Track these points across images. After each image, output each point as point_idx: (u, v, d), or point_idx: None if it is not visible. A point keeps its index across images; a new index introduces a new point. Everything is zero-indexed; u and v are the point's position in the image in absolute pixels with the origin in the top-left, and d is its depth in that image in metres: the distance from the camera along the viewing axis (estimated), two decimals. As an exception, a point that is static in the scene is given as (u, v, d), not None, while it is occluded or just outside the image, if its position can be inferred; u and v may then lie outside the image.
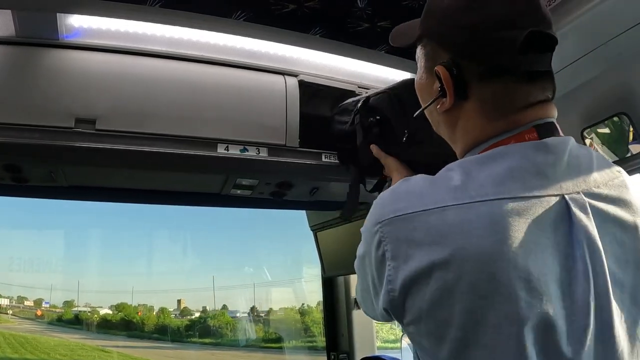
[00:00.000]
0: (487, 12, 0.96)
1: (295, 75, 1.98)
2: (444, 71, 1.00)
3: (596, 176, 0.96)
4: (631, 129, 1.90)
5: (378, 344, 3.51)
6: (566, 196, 0.90)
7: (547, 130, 0.96)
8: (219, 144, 1.81)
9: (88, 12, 1.62)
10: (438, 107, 1.05)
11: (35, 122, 1.60)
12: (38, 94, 1.62)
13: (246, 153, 1.84)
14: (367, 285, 1.03)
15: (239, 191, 2.11)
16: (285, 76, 1.96)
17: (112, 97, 1.69)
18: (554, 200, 0.88)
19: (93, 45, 1.73)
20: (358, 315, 3.16)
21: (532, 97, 0.98)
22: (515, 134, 0.96)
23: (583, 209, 0.90)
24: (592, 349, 0.85)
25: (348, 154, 1.84)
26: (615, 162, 1.95)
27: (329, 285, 3.31)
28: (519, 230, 0.84)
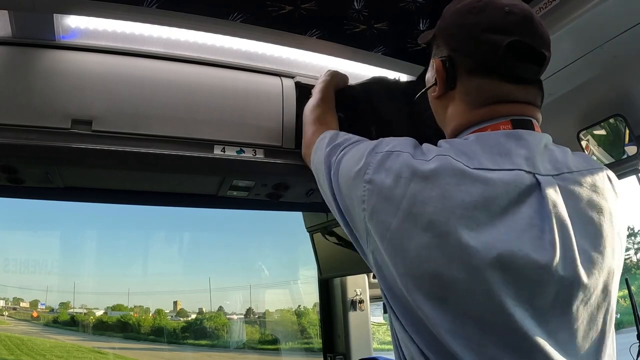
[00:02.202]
0: (483, 16, 1.11)
1: (292, 77, 1.98)
2: (438, 63, 1.18)
3: (570, 164, 1.06)
4: (627, 130, 1.91)
5: (374, 345, 3.51)
6: (537, 175, 1.01)
7: (521, 124, 1.09)
8: (215, 146, 1.80)
9: (85, 12, 1.61)
10: (433, 94, 1.23)
11: (32, 122, 1.60)
12: (34, 94, 1.62)
13: (242, 154, 1.84)
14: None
15: (235, 193, 2.10)
16: (282, 78, 1.96)
17: (109, 98, 1.69)
18: (525, 174, 1.00)
19: (90, 46, 1.73)
20: (354, 317, 3.16)
21: (514, 96, 1.11)
22: (493, 124, 1.09)
23: (554, 188, 1.00)
24: (552, 316, 0.93)
25: None
26: (612, 164, 1.98)
27: (325, 287, 3.30)
28: (488, 193, 0.96)
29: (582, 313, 0.95)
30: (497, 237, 0.93)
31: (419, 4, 1.68)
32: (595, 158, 2.04)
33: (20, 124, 1.59)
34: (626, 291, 3.07)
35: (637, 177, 2.06)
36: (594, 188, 1.04)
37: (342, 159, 1.20)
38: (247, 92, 1.88)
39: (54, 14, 1.60)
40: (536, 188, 0.98)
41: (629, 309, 2.94)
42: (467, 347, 0.91)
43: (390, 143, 1.11)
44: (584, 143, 2.04)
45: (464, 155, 1.02)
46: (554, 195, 0.98)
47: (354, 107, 1.76)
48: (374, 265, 1.09)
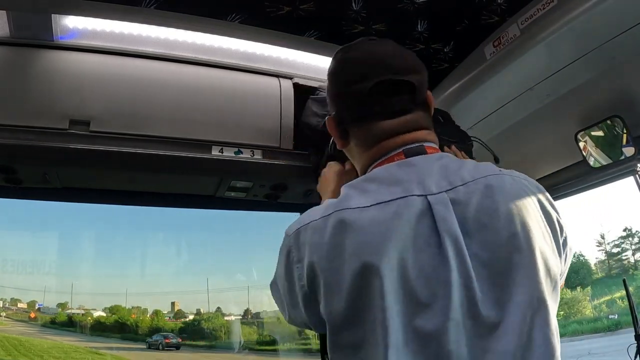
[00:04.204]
0: (345, 73, 1.27)
1: (290, 78, 1.98)
2: (329, 121, 1.33)
3: (464, 175, 1.13)
4: (625, 132, 1.91)
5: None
6: (428, 196, 1.08)
7: (414, 152, 1.19)
8: (213, 146, 1.81)
9: (83, 13, 1.61)
10: (337, 146, 1.36)
11: (30, 123, 1.60)
12: (33, 95, 1.62)
13: (240, 155, 1.84)
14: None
15: (233, 193, 2.10)
16: (280, 79, 1.96)
17: (107, 99, 1.69)
18: (417, 199, 1.07)
19: (88, 47, 1.73)
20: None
21: (396, 130, 1.21)
22: (387, 158, 1.20)
23: (444, 205, 1.07)
24: (462, 323, 0.99)
25: (316, 147, 1.84)
26: (609, 165, 1.98)
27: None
28: (382, 225, 1.04)
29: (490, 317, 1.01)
30: (400, 260, 1.02)
31: (417, 5, 1.68)
32: (592, 160, 2.04)
33: (18, 124, 1.59)
34: (624, 292, 3.07)
35: (635, 178, 2.06)
36: (488, 194, 1.10)
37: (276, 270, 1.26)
38: (245, 93, 1.88)
39: (53, 15, 1.60)
40: (428, 208, 1.07)
41: (627, 310, 2.95)
42: None
43: (293, 225, 1.18)
44: (581, 144, 2.04)
45: (362, 195, 1.11)
46: (444, 211, 1.06)
47: None
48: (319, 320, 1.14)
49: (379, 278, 1.00)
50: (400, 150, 1.20)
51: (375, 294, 1.00)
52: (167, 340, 6.41)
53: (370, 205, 1.07)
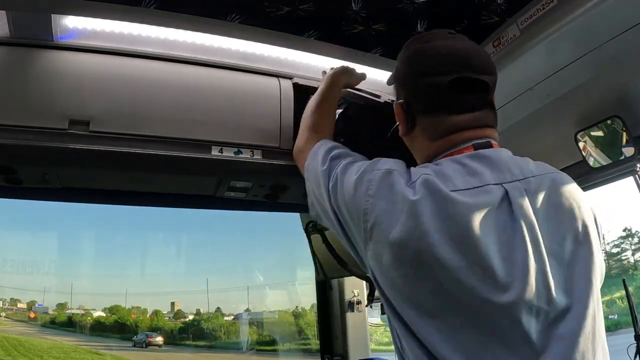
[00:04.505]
0: (423, 63, 1.29)
1: (290, 78, 1.98)
2: (397, 107, 1.36)
3: (532, 169, 1.19)
4: (624, 132, 1.91)
5: (372, 346, 3.50)
6: (504, 184, 1.14)
7: (482, 146, 1.23)
8: (213, 146, 1.80)
9: (83, 13, 1.61)
10: (400, 133, 1.39)
11: (29, 123, 1.59)
12: (32, 95, 1.62)
13: (240, 155, 1.84)
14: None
15: (232, 193, 2.10)
16: (280, 79, 1.96)
17: (107, 99, 1.69)
18: (493, 187, 1.13)
19: (88, 47, 1.73)
20: (352, 318, 3.15)
21: (466, 125, 1.25)
22: (456, 150, 1.24)
23: (520, 192, 1.13)
24: (535, 306, 1.04)
25: None
26: (608, 165, 1.98)
27: (323, 288, 3.30)
28: (465, 210, 1.08)
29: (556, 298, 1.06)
30: (477, 248, 1.06)
31: (417, 5, 1.68)
32: (592, 160, 2.04)
33: (18, 125, 1.58)
34: (624, 292, 3.08)
35: (635, 178, 2.06)
36: (554, 188, 1.17)
37: (345, 172, 1.32)
38: (244, 93, 1.88)
39: (52, 14, 1.60)
40: (505, 195, 1.12)
41: (626, 310, 2.95)
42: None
43: (387, 163, 1.24)
44: (581, 144, 2.04)
45: (442, 178, 1.14)
46: (520, 198, 1.12)
47: (356, 133, 1.79)
48: (371, 274, 1.22)
49: (449, 258, 1.05)
50: (470, 144, 1.23)
51: (441, 268, 1.05)
52: (149, 339, 6.72)
53: (450, 191, 1.11)
